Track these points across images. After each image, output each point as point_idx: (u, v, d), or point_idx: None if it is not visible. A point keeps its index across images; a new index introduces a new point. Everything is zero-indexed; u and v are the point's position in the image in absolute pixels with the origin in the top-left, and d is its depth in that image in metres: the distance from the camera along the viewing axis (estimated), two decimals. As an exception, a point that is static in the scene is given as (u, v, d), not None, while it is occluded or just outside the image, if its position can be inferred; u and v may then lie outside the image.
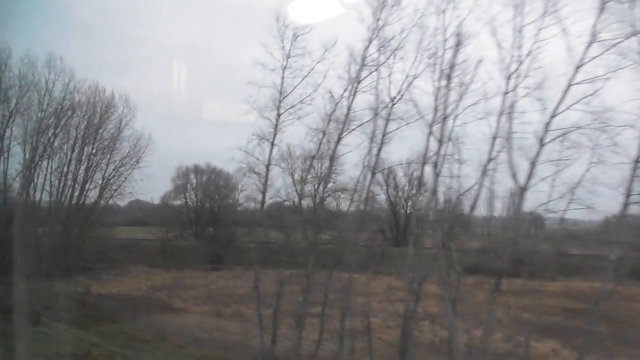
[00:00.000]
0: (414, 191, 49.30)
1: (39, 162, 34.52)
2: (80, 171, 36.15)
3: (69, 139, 35.76)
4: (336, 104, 16.43)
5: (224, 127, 61.31)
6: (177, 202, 51.94)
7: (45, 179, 34.57)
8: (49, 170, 34.96)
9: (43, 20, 35.96)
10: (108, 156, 36.92)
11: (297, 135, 17.39)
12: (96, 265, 37.91)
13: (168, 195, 51.79)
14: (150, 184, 37.95)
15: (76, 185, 36.21)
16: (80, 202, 36.71)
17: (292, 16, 16.84)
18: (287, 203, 45.30)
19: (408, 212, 46.28)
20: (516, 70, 12.28)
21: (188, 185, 52.00)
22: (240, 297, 25.32)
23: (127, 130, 37.41)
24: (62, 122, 35.08)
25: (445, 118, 12.81)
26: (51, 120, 34.44)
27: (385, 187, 45.39)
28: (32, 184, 34.34)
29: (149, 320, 19.41)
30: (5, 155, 32.71)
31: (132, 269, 38.66)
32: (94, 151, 36.66)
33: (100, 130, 36.37)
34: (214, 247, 40.29)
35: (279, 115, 16.47)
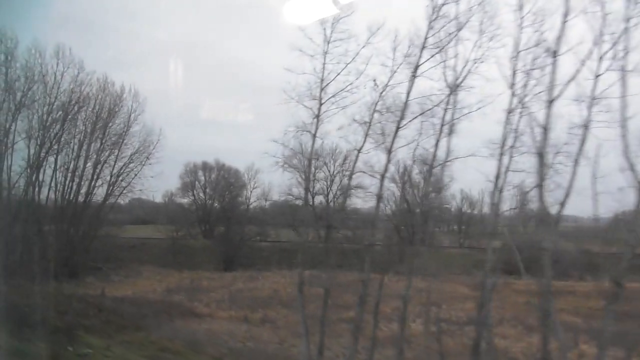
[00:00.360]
0: (430, 188, 47.79)
1: (45, 158, 32.85)
2: (87, 167, 34.54)
3: (77, 133, 34.16)
4: (381, 92, 14.88)
5: (223, 125, 60.07)
6: (185, 200, 50.34)
7: (51, 176, 32.96)
8: (55, 166, 33.34)
9: (41, 14, 34.15)
10: (117, 152, 35.34)
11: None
12: (104, 266, 36.34)
13: (175, 192, 50.18)
14: (153, 181, 36.46)
15: (83, 182, 34.61)
16: (88, 200, 35.06)
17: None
18: (298, 201, 43.63)
19: (424, 210, 44.83)
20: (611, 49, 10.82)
21: (196, 182, 50.49)
22: (264, 301, 23.84)
23: (136, 126, 35.86)
24: (69, 116, 33.41)
25: (551, 101, 11.30)
26: (58, 113, 32.75)
27: (400, 184, 44.03)
28: (38, 181, 32.67)
29: (174, 327, 17.84)
30: (10, 150, 30.95)
31: (142, 269, 37.06)
32: (102, 147, 35.06)
33: (109, 125, 34.74)
34: (226, 247, 38.71)
35: (320, 104, 14.85)
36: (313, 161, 15.38)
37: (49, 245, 33.57)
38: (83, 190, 35.14)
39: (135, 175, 35.72)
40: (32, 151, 31.84)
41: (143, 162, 35.06)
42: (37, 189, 32.59)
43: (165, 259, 41.38)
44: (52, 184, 33.44)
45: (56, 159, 33.18)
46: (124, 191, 36.15)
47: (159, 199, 52.23)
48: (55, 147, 33.34)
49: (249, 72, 56.48)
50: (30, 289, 28.39)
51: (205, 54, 53.64)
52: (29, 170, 31.93)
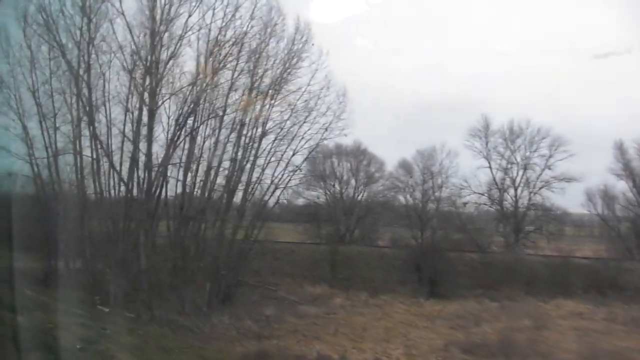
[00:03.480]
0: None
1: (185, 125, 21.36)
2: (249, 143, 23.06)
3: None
4: None
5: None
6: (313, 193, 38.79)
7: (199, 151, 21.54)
8: (203, 139, 21.98)
9: None
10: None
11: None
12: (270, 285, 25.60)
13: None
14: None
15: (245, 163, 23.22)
16: (252, 189, 23.75)
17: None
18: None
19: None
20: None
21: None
22: None
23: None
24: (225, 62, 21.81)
25: None
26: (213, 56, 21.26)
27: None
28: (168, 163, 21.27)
29: None
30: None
31: (309, 287, 26.27)
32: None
33: (284, 79, 23.07)
34: (422, 260, 27.33)
35: None
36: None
37: (191, 255, 22.36)
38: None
39: (312, 150, 24.48)
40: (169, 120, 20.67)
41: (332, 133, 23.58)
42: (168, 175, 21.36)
43: (316, 271, 30.38)
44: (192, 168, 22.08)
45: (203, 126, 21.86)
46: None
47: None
48: (202, 108, 22.04)
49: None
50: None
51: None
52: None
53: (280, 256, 32.80)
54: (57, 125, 21.41)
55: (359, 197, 37.62)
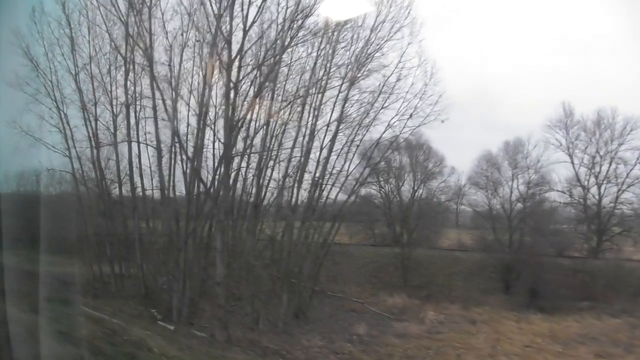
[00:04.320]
0: None
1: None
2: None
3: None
4: None
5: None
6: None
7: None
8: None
9: None
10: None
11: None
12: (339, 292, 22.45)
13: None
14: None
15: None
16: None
17: None
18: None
19: None
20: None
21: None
22: None
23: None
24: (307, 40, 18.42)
25: None
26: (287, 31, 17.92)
27: None
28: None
29: None
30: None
31: (385, 297, 23.01)
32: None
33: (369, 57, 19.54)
34: (522, 268, 23.76)
35: None
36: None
37: (266, 262, 19.12)
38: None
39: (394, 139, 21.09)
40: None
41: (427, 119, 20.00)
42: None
43: (383, 277, 27.17)
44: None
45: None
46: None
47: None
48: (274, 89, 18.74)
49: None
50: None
51: None
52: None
53: (338, 260, 29.49)
54: (100, 112, 18.66)
55: (418, 195, 34.04)
